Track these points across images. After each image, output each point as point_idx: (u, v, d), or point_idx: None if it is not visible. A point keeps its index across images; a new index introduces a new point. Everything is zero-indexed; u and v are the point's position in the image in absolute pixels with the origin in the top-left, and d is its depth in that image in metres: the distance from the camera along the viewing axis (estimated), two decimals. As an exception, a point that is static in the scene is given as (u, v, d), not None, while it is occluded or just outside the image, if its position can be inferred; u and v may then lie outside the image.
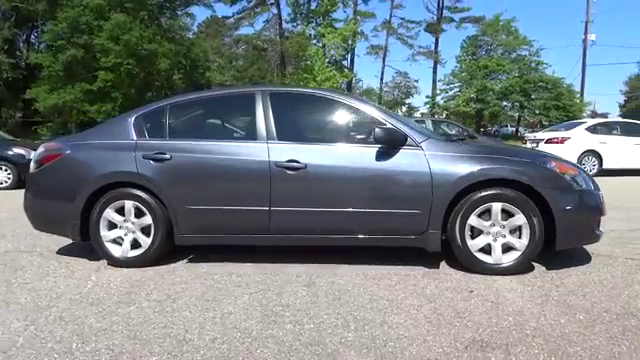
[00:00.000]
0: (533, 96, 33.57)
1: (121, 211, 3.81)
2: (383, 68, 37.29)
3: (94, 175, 3.76)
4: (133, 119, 3.92)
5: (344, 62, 36.16)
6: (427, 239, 3.53)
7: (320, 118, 4.09)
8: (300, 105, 4.06)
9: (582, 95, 33.01)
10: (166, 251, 3.86)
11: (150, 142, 3.80)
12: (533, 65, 34.62)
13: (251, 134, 3.74)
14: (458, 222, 3.49)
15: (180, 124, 4.03)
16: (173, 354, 2.33)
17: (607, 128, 12.05)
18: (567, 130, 12.09)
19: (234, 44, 40.03)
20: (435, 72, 36.52)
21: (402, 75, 40.20)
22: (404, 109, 42.35)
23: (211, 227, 3.73)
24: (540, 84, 33.75)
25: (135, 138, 3.83)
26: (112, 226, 3.83)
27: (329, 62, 34.88)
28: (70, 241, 4.44)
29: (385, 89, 39.80)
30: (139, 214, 3.79)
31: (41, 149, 4.03)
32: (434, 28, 35.57)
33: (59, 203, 3.87)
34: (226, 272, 3.64)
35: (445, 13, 35.66)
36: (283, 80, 36.72)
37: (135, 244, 3.82)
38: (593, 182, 3.66)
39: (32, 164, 4.07)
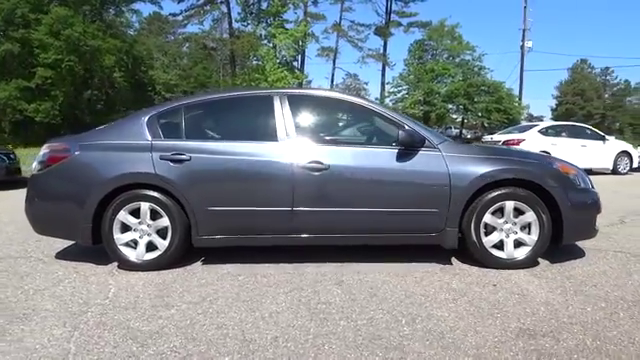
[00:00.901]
0: (476, 99, 35.01)
1: (135, 213, 3.72)
2: (333, 70, 37.71)
3: (108, 176, 3.64)
4: (147, 119, 3.83)
5: (295, 63, 36.16)
6: (445, 237, 3.69)
7: (339, 120, 4.17)
8: (318, 107, 4.12)
9: (520, 99, 34.88)
10: (182, 254, 3.80)
11: (167, 143, 3.74)
12: (476, 70, 36.09)
13: (271, 135, 3.76)
14: (474, 220, 3.68)
15: (196, 125, 3.98)
16: (243, 353, 2.35)
17: (556, 131, 12.88)
18: (521, 132, 12.81)
19: (183, 42, 39.09)
20: (384, 75, 37.36)
21: (352, 77, 40.86)
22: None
23: (232, 228, 3.72)
24: (482, 88, 35.24)
25: (150, 138, 3.75)
26: (125, 229, 3.73)
27: (280, 63, 34.79)
28: (63, 245, 4.36)
29: (336, 90, 40.22)
30: (155, 216, 3.71)
31: (45, 149, 3.85)
32: (383, 31, 36.36)
33: (68, 206, 3.72)
34: (249, 273, 3.64)
35: (393, 17, 36.57)
36: (233, 80, 36.31)
37: (150, 247, 3.74)
38: (590, 181, 3.96)
39: (35, 165, 3.88)
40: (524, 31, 35.31)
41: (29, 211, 3.86)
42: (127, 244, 3.74)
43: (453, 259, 3.98)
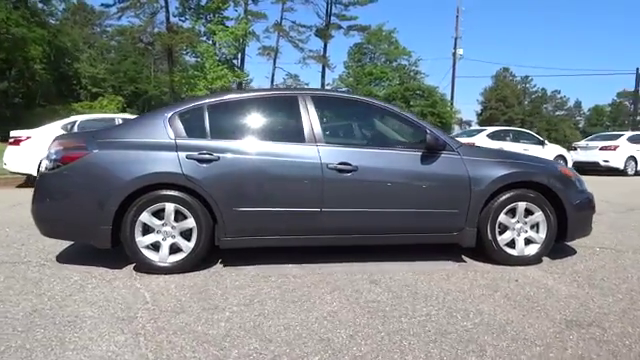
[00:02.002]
0: (412, 103, 36.34)
1: (157, 214, 3.60)
2: (274, 69, 37.61)
3: (131, 176, 3.50)
4: (168, 117, 3.72)
5: (235, 61, 35.68)
6: (464, 236, 3.90)
7: (364, 122, 4.26)
8: (343, 109, 4.19)
9: (452, 104, 36.59)
10: (206, 255, 3.73)
11: (193, 142, 3.65)
12: (412, 74, 37.46)
13: (298, 136, 3.77)
14: (490, 220, 3.90)
15: (221, 124, 3.89)
16: (330, 352, 2.38)
17: (502, 135, 13.74)
18: (470, 137, 13.52)
19: (117, 35, 37.33)
20: (324, 76, 37.80)
21: (293, 77, 40.90)
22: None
23: (260, 229, 3.70)
24: (418, 92, 36.64)
25: (173, 137, 3.65)
26: (146, 230, 3.60)
27: (220, 61, 34.19)
28: (55, 249, 4.20)
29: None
30: (179, 217, 3.62)
31: (57, 147, 3.62)
32: (323, 33, 36.78)
33: (85, 207, 3.54)
34: (278, 274, 3.65)
35: (333, 20, 37.07)
36: (171, 77, 35.19)
37: (172, 249, 3.64)
38: (585, 184, 4.33)
39: (45, 163, 3.64)
40: (456, 39, 36.97)
41: (38, 212, 3.62)
42: (149, 247, 3.60)
43: (463, 256, 4.18)
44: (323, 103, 3.93)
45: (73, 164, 3.53)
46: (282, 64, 48.64)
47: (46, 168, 3.61)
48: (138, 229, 3.57)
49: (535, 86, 62.41)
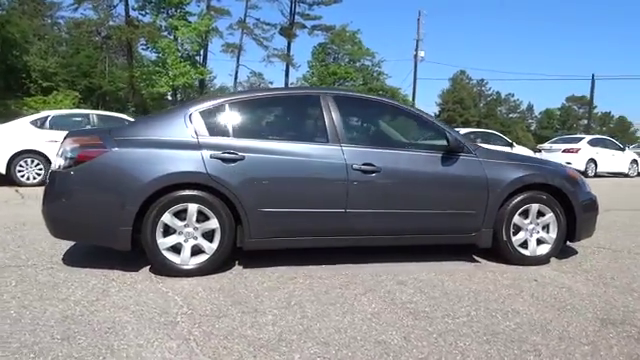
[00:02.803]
0: (376, 104, 36.69)
1: (178, 215, 3.48)
2: (237, 67, 37.06)
3: (153, 175, 3.37)
4: (189, 115, 3.60)
5: (197, 58, 35.00)
6: (481, 236, 3.98)
7: (384, 123, 4.26)
8: (365, 110, 4.18)
9: (414, 105, 37.29)
10: (228, 257, 3.65)
11: (216, 141, 3.55)
12: (375, 75, 37.87)
13: (322, 136, 3.75)
14: (505, 221, 4.00)
15: (243, 122, 3.80)
16: (392, 355, 2.37)
17: (472, 137, 14.09)
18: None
19: (73, 27, 35.83)
20: (287, 75, 37.58)
21: (257, 76, 40.42)
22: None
23: (285, 230, 3.65)
24: (381, 93, 37.03)
25: (195, 135, 3.54)
26: (167, 232, 3.48)
27: (182, 57, 33.46)
28: (60, 250, 4.04)
29: (240, 89, 39.56)
30: (200, 218, 3.52)
31: (72, 144, 3.44)
32: (287, 32, 36.57)
33: (103, 207, 3.38)
34: (302, 275, 3.61)
35: (298, 19, 36.92)
36: (130, 72, 34.15)
37: (193, 251, 3.53)
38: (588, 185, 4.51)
39: (59, 161, 3.45)
40: (417, 41, 37.65)
41: (51, 213, 3.43)
42: (169, 249, 3.49)
43: (474, 256, 4.27)
44: (345, 103, 3.90)
45: (91, 162, 3.36)
46: (246, 62, 47.94)
47: (60, 166, 3.42)
48: (159, 230, 3.44)
49: (490, 89, 64.45)
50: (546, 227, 4.15)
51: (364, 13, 76.13)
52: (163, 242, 3.46)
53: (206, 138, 3.54)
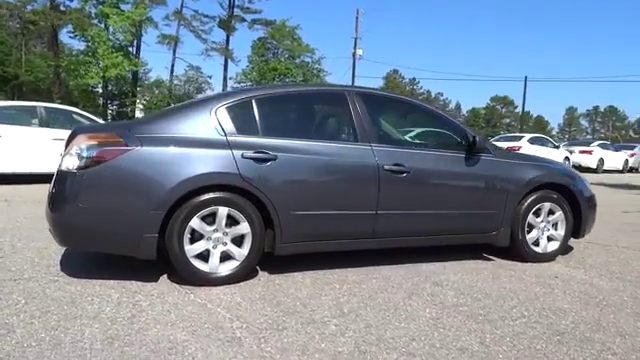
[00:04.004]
0: (317, 100, 36.79)
1: (205, 220, 3.24)
2: (174, 60, 35.72)
3: (183, 177, 3.10)
4: (215, 110, 3.35)
5: (130, 49, 33.37)
6: (499, 235, 4.04)
7: (409, 123, 4.19)
8: (389, 108, 4.09)
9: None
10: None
11: (246, 139, 3.33)
12: (315, 72, 37.95)
13: (352, 135, 3.63)
14: (521, 219, 4.09)
15: (271, 119, 3.59)
16: (483, 363, 2.32)
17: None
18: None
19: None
20: (226, 69, 36.82)
21: (195, 69, 39.17)
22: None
23: (317, 233, 3.50)
24: (322, 91, 37.08)
25: (224, 133, 3.30)
26: (194, 238, 3.23)
27: (114, 47, 31.78)
28: (51, 260, 3.67)
29: (176, 82, 38.16)
30: (229, 222, 3.29)
31: (88, 141, 3.07)
32: (227, 25, 35.78)
33: (126, 212, 3.06)
34: (335, 280, 3.50)
35: (237, 12, 36.23)
36: (57, 62, 31.94)
37: (222, 258, 3.31)
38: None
39: (71, 160, 3.07)
40: (356, 39, 38.08)
41: (62, 219, 3.07)
42: (197, 256, 3.23)
43: (484, 254, 4.33)
44: (371, 101, 3.80)
45: (112, 162, 3.03)
46: (183, 55, 46.32)
47: (73, 167, 3.05)
48: (187, 236, 3.17)
49: (422, 88, 66.77)
50: (555, 225, 4.28)
51: (304, 9, 76.11)
52: (191, 249, 3.19)
53: (235, 136, 3.31)
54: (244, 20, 36.36)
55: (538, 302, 3.20)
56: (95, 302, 2.88)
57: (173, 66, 35.88)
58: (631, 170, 21.06)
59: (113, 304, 2.86)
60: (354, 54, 37.91)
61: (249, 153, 3.25)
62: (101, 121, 9.43)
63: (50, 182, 3.25)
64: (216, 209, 3.21)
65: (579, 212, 4.31)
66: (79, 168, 3.03)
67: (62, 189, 3.07)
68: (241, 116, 3.43)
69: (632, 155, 21.27)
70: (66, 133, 8.49)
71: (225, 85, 36.89)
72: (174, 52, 35.33)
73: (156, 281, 3.29)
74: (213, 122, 3.30)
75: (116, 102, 37.06)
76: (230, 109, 3.39)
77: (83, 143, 3.07)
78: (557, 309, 3.08)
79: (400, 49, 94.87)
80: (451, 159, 3.88)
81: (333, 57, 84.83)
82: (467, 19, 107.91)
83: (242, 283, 3.32)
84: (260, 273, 3.54)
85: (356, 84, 35.69)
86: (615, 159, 19.68)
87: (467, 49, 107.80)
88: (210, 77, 40.32)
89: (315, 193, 3.45)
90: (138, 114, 37.31)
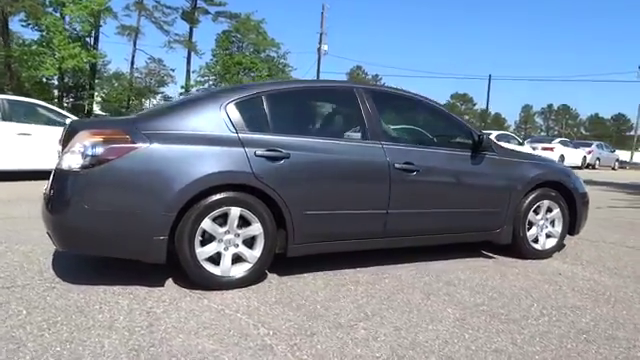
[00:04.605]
0: (282, 95, 36.48)
1: (216, 220, 3.10)
2: (134, 51, 34.57)
3: (195, 175, 2.95)
4: (224, 106, 3.21)
5: (88, 39, 32.09)
6: (502, 233, 4.07)
7: (417, 121, 4.14)
8: (401, 107, 4.03)
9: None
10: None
11: (258, 136, 3.20)
12: (280, 66, 37.65)
13: (362, 133, 3.56)
14: (522, 217, 4.13)
15: (283, 116, 3.47)
16: (523, 365, 2.30)
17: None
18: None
19: None
20: (189, 62, 35.96)
21: (157, 62, 38.04)
22: (158, 98, 40.14)
23: (328, 234, 3.42)
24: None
25: (234, 130, 3.16)
26: (204, 240, 3.08)
27: (71, 37, 30.48)
28: (41, 265, 3.43)
29: (137, 75, 36.95)
30: (241, 223, 3.16)
31: (92, 138, 2.86)
32: (190, 17, 34.92)
33: (134, 214, 2.89)
34: (348, 281, 3.43)
35: (201, 4, 35.40)
36: (7, 51, 30.30)
37: (233, 261, 3.18)
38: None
39: (73, 158, 2.86)
40: (321, 35, 38.01)
41: (64, 222, 2.86)
42: (208, 259, 3.09)
43: (483, 251, 4.36)
44: (380, 98, 3.74)
45: (119, 161, 2.84)
46: (144, 46, 44.86)
47: (76, 165, 2.84)
48: (198, 238, 3.02)
49: (384, 85, 67.39)
50: (552, 222, 4.35)
51: (269, 3, 75.35)
52: (202, 252, 3.04)
53: (246, 133, 3.17)
54: (208, 12, 35.62)
55: (551, 300, 3.23)
56: (105, 310, 2.70)
57: (134, 58, 34.79)
58: (588, 166, 21.99)
59: (125, 312, 2.68)
60: (319, 49, 37.82)
61: (262, 151, 3.13)
62: (71, 115, 8.97)
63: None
64: (228, 209, 3.07)
65: (575, 209, 4.38)
66: (83, 167, 2.83)
67: (64, 189, 2.86)
68: (251, 112, 3.30)
69: (589, 152, 22.22)
70: (32, 128, 8.16)
71: (188, 78, 36.10)
72: (135, 44, 34.25)
73: (163, 286, 3.13)
74: (223, 118, 3.16)
75: (72, 95, 35.59)
76: (240, 105, 3.25)
77: (87, 140, 2.87)
78: (572, 307, 3.11)
79: (364, 45, 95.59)
80: (458, 157, 3.87)
81: (298, 52, 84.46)
82: (433, 17, 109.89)
83: (254, 286, 3.20)
84: (269, 275, 3.42)
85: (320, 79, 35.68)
86: (574, 156, 20.52)
87: (430, 46, 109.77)
88: (173, 70, 39.24)
89: (328, 192, 3.36)
90: (96, 108, 36.04)
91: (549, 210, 4.31)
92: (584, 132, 78.60)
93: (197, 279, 3.05)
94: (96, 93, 34.40)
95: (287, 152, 3.19)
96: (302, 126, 3.56)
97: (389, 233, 3.59)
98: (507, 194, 3.99)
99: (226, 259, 3.12)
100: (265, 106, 3.34)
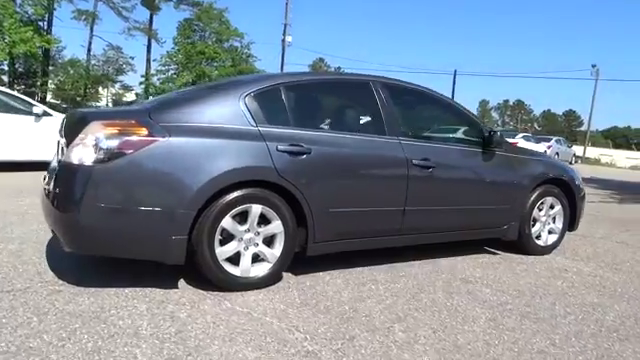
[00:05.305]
0: (245, 87, 35.86)
1: (236, 218, 2.94)
2: (91, 38, 33.06)
3: (218, 171, 2.77)
4: (243, 98, 3.04)
5: (41, 23, 30.52)
6: (510, 230, 4.08)
7: (432, 116, 4.08)
8: (415, 102, 3.95)
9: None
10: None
11: (278, 130, 3.05)
12: (244, 57, 36.99)
13: (379, 128, 3.46)
14: (527, 213, 4.16)
15: (303, 109, 3.32)
16: None
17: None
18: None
19: None
20: (149, 51, 34.80)
21: (115, 49, 36.53)
22: (117, 87, 38.75)
23: (349, 232, 3.32)
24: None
25: (254, 123, 3.00)
26: (223, 239, 2.93)
27: (22, 21, 28.90)
28: (38, 266, 3.19)
29: (94, 62, 35.37)
30: (260, 221, 3.02)
31: (106, 130, 2.64)
32: (150, 4, 33.75)
33: (152, 212, 2.69)
34: (366, 280, 3.35)
35: (162, -10, 34.26)
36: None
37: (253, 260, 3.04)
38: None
39: (85, 152, 2.63)
40: (285, 26, 37.58)
41: (78, 222, 2.62)
42: (227, 259, 2.93)
43: (494, 250, 4.37)
44: (395, 92, 3.64)
45: (137, 155, 2.63)
46: (102, 33, 42.87)
47: (88, 159, 2.61)
48: (217, 238, 2.86)
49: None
50: (554, 218, 4.41)
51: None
52: (222, 251, 2.88)
53: (266, 127, 3.02)
54: (169, -1, 34.50)
55: (569, 297, 3.25)
56: (124, 316, 2.50)
57: (90, 45, 33.29)
58: None
59: (147, 317, 2.50)
60: (283, 40, 37.40)
61: (283, 146, 2.98)
62: (34, 102, 8.42)
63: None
64: (249, 207, 2.92)
65: (574, 205, 4.45)
66: (97, 161, 2.60)
67: (75, 185, 2.63)
68: (270, 104, 3.14)
69: (549, 147, 23.00)
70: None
71: (148, 67, 34.96)
72: (91, 29, 32.80)
73: (177, 287, 2.95)
74: (243, 110, 2.99)
75: (24, 82, 33.80)
76: (259, 96, 3.08)
77: (100, 132, 2.64)
78: (592, 304, 3.15)
79: (329, 38, 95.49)
80: (471, 154, 3.84)
81: (263, 43, 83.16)
82: (398, 13, 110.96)
83: (273, 287, 3.07)
84: (285, 275, 3.29)
85: (285, 71, 35.29)
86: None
87: (394, 41, 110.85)
88: (132, 58, 37.86)
89: (349, 189, 3.26)
90: (50, 96, 34.39)
91: (551, 207, 4.36)
92: (537, 127, 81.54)
93: (216, 280, 2.89)
94: (50, 80, 32.78)
95: (308, 147, 3.06)
96: (321, 120, 3.43)
97: (404, 231, 3.53)
98: (516, 191, 4.01)
99: (246, 259, 2.97)
100: (284, 98, 3.19)
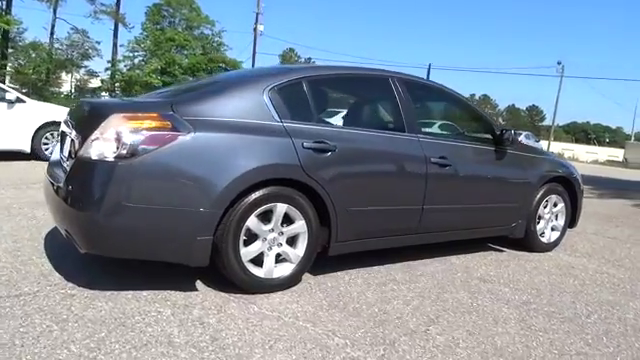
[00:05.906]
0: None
1: (260, 218, 2.83)
2: (54, 20, 31.60)
3: (245, 168, 2.64)
4: (267, 91, 2.91)
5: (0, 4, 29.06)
6: (517, 227, 4.11)
7: (447, 114, 4.02)
8: (431, 99, 3.89)
9: (255, 80, 36.88)
10: (308, 265, 3.12)
11: (304, 126, 2.95)
12: (215, 45, 36.30)
13: (399, 125, 3.40)
14: (534, 211, 4.20)
15: (324, 105, 3.21)
16: None
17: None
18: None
19: None
20: (116, 35, 33.63)
21: (80, 33, 35.03)
22: (82, 72, 37.26)
23: (369, 231, 3.26)
24: (221, 65, 35.64)
25: (279, 118, 2.89)
26: (248, 239, 2.81)
27: (-20, 0, 27.47)
28: (42, 268, 3.00)
29: (57, 46, 33.84)
30: (284, 221, 2.92)
31: (129, 123, 2.47)
32: (117, -14, 32.60)
33: (176, 211, 2.55)
34: (386, 280, 3.29)
35: (129, -27, 33.11)
36: None
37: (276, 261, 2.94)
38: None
39: (106, 146, 2.46)
40: (257, 14, 37.01)
41: (98, 221, 2.45)
42: (251, 260, 2.82)
43: (499, 246, 4.40)
44: (413, 89, 3.57)
45: (162, 151, 2.48)
46: (67, 15, 41.15)
47: (111, 155, 2.45)
48: (242, 238, 2.74)
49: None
50: (556, 216, 4.47)
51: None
52: (246, 252, 2.77)
53: (291, 122, 2.90)
54: (138, -18, 33.37)
55: (586, 295, 3.29)
56: (151, 322, 2.37)
57: (53, 27, 31.85)
58: None
59: (175, 324, 2.37)
60: (255, 29, 36.82)
61: (309, 143, 2.88)
62: (7, 88, 7.97)
63: None
64: (274, 206, 2.80)
65: (575, 203, 4.52)
66: (120, 157, 2.43)
67: (95, 183, 2.45)
68: (293, 99, 3.02)
69: (518, 142, 23.44)
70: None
71: (115, 52, 33.81)
72: (55, 11, 31.36)
73: (196, 289, 2.82)
74: (266, 104, 2.86)
75: (-20, 65, 32.13)
76: (282, 90, 2.96)
77: (122, 125, 2.47)
78: (609, 302, 3.20)
79: (300, 28, 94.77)
80: (485, 152, 3.83)
81: (234, 31, 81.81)
82: (369, 5, 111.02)
83: (295, 288, 2.98)
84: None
85: (256, 61, 34.83)
86: None
87: (367, 33, 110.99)
88: (99, 43, 36.41)
89: (370, 187, 3.18)
90: (8, 80, 32.83)
91: (555, 204, 4.40)
92: (502, 121, 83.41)
93: (240, 282, 2.77)
94: (9, 64, 31.27)
95: (333, 144, 2.97)
96: (342, 116, 3.34)
97: (421, 229, 3.49)
98: (525, 188, 4.03)
99: (269, 260, 2.86)
100: (307, 92, 3.07)
